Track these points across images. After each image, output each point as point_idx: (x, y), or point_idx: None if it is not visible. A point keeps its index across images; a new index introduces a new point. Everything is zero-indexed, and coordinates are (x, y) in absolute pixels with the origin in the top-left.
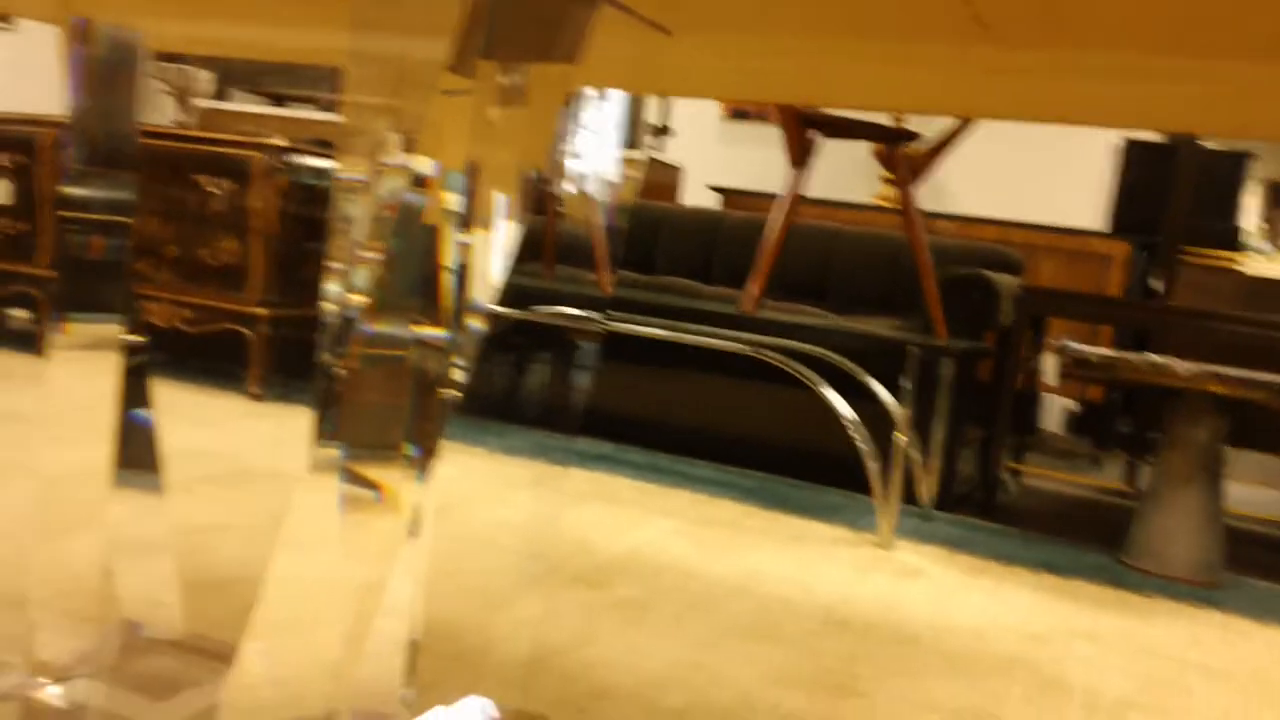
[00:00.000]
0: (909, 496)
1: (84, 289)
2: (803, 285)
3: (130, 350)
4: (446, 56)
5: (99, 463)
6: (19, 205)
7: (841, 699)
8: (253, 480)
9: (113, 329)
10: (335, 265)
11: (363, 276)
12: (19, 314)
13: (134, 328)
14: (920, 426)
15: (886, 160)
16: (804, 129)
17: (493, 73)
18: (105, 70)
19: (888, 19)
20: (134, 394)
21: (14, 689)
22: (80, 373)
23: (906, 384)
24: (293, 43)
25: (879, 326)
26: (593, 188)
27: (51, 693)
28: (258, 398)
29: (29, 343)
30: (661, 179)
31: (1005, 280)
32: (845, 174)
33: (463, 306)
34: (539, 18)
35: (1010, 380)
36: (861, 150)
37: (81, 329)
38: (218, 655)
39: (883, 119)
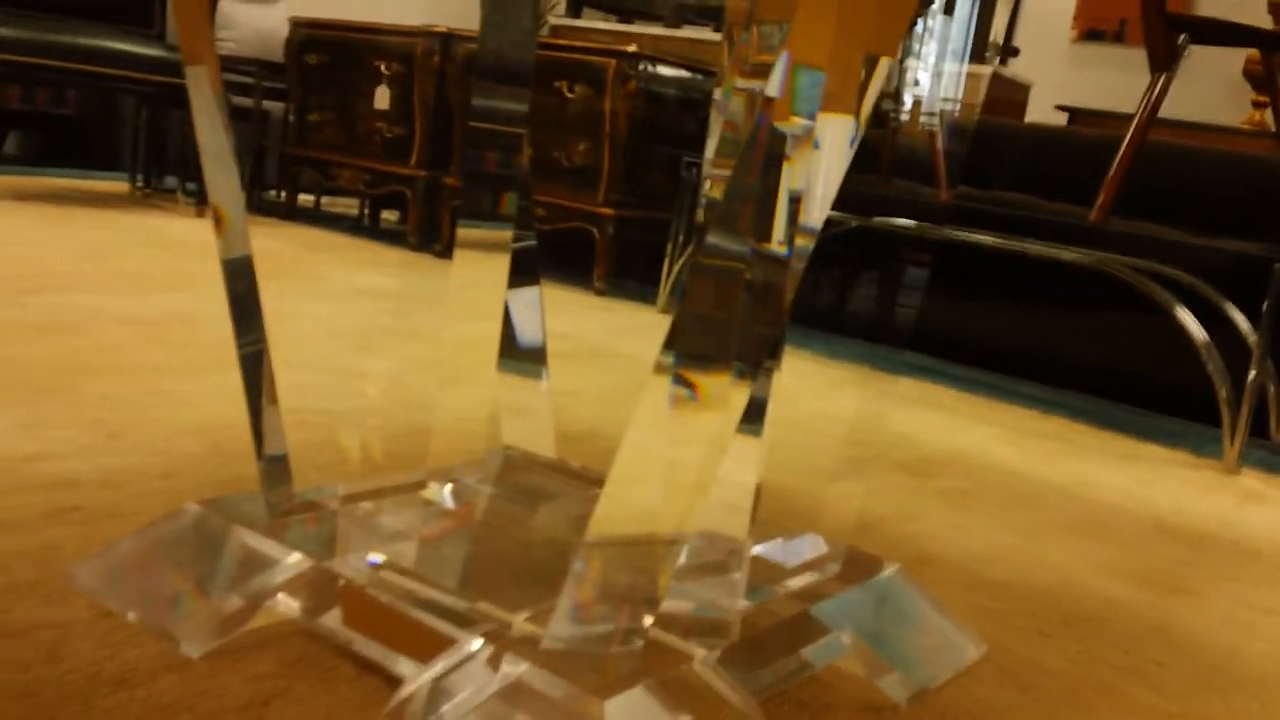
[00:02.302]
0: (1259, 430)
1: (482, 195)
2: (1156, 206)
3: (520, 240)
4: None
5: (489, 334)
6: (397, 110)
7: (1171, 595)
8: (599, 357)
9: (506, 233)
10: (705, 174)
11: (714, 189)
12: (389, 215)
13: (525, 226)
14: (1277, 358)
15: (1262, 74)
16: (1170, 29)
17: None
18: None
19: None
20: (521, 274)
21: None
22: (472, 264)
23: (1266, 310)
24: None
25: (1238, 246)
26: (934, 101)
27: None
28: (601, 293)
29: (400, 238)
30: (1007, 96)
31: None
32: (1210, 95)
33: (798, 224)
34: None
35: None
36: (1231, 69)
37: (479, 233)
38: (586, 479)
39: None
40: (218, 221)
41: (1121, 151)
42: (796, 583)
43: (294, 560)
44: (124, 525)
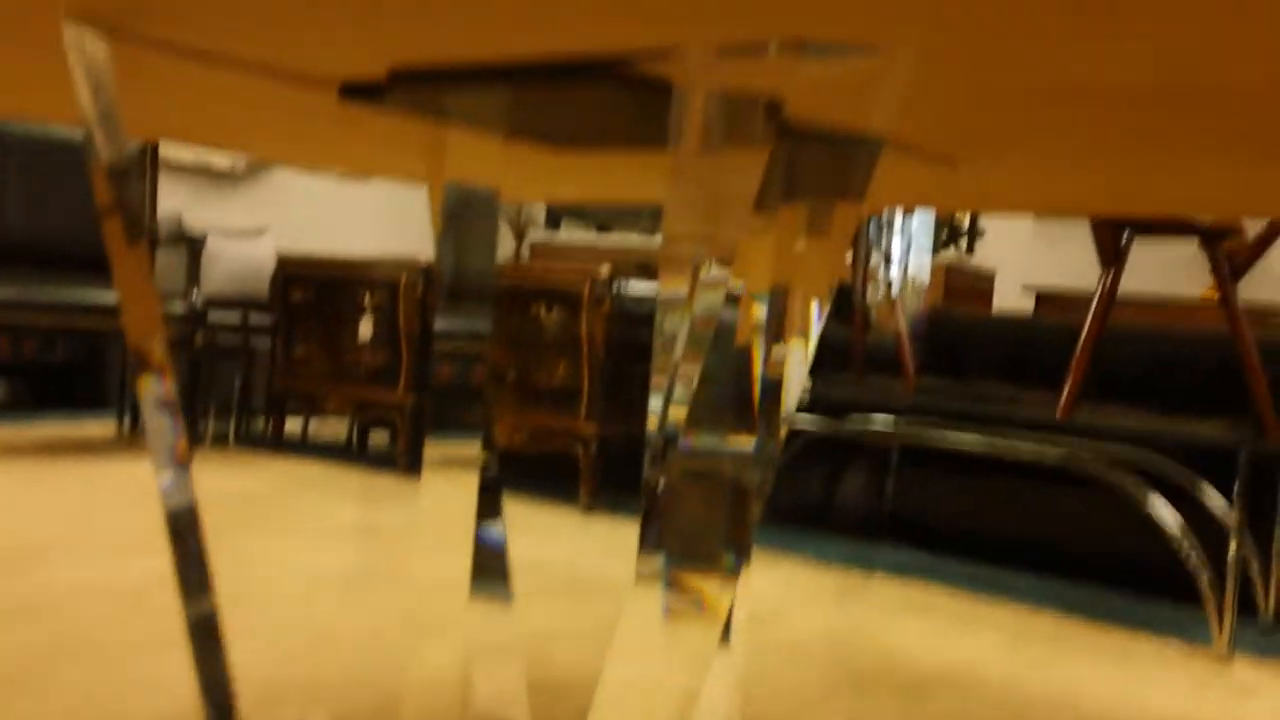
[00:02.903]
0: (1248, 607)
1: (447, 411)
2: (1124, 387)
3: (482, 468)
4: (753, 199)
5: (460, 573)
6: (381, 339)
7: None
8: (585, 590)
9: (471, 448)
10: (659, 381)
11: (682, 391)
12: (379, 436)
13: (486, 446)
14: (1258, 532)
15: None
16: (1113, 228)
17: (790, 210)
18: (466, 218)
19: (1170, 139)
20: (486, 509)
21: None
22: (442, 490)
23: (1237, 493)
24: (627, 194)
25: (1206, 428)
26: (900, 293)
27: None
28: (589, 510)
29: (389, 463)
30: (972, 283)
31: None
32: (1173, 268)
33: (771, 417)
34: (826, 166)
35: None
36: (1187, 242)
37: (444, 448)
38: None
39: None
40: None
41: (1079, 346)
42: None
43: None
44: None
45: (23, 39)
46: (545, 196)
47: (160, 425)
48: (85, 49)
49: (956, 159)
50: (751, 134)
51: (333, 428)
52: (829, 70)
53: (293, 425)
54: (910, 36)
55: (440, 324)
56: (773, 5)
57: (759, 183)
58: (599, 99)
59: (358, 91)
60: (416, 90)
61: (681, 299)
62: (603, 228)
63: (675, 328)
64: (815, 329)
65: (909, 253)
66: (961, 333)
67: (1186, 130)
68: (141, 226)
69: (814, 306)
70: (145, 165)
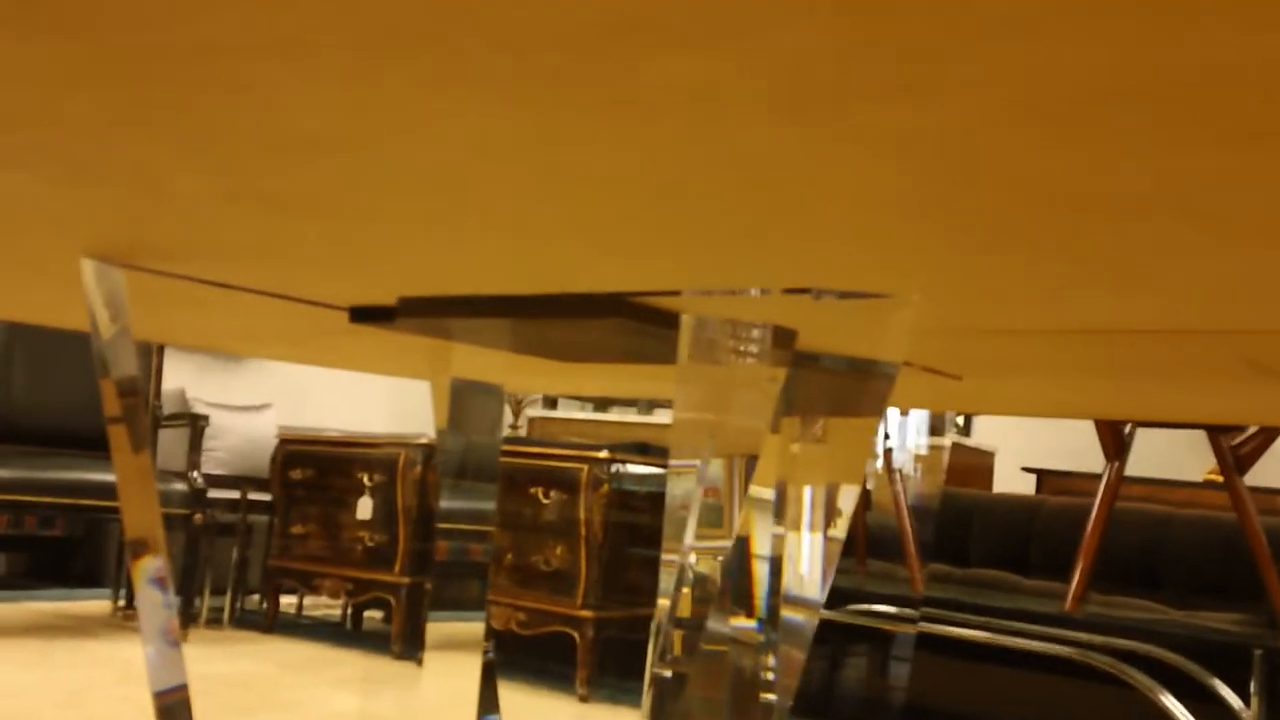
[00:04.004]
0: None
1: (449, 591)
2: (1133, 574)
3: (484, 653)
4: (768, 422)
5: None
6: (379, 519)
7: None
8: None
9: (471, 629)
10: (668, 563)
11: (688, 575)
12: (374, 616)
13: (486, 630)
14: None
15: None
16: (1117, 421)
17: (797, 425)
18: (470, 401)
19: (1173, 365)
20: (484, 696)
21: None
22: (442, 676)
23: (1254, 692)
24: (631, 391)
25: (1219, 620)
26: (901, 478)
27: None
28: (585, 699)
29: (384, 643)
30: (972, 462)
31: None
32: (1177, 448)
33: (778, 604)
34: (841, 387)
35: None
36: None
37: (443, 629)
38: None
39: None
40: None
41: (1086, 539)
42: None
43: None
44: None
45: (38, 270)
46: (549, 390)
47: (152, 603)
48: (101, 281)
49: (963, 375)
50: (762, 360)
51: (328, 607)
52: (838, 310)
53: (288, 602)
54: (915, 284)
55: (444, 503)
56: (779, 262)
57: (773, 406)
58: (604, 325)
59: (368, 315)
60: (425, 316)
61: (690, 481)
62: (599, 406)
63: (683, 511)
64: (843, 522)
65: (908, 432)
66: (966, 514)
67: (1190, 362)
68: (144, 438)
69: (841, 496)
70: (151, 345)
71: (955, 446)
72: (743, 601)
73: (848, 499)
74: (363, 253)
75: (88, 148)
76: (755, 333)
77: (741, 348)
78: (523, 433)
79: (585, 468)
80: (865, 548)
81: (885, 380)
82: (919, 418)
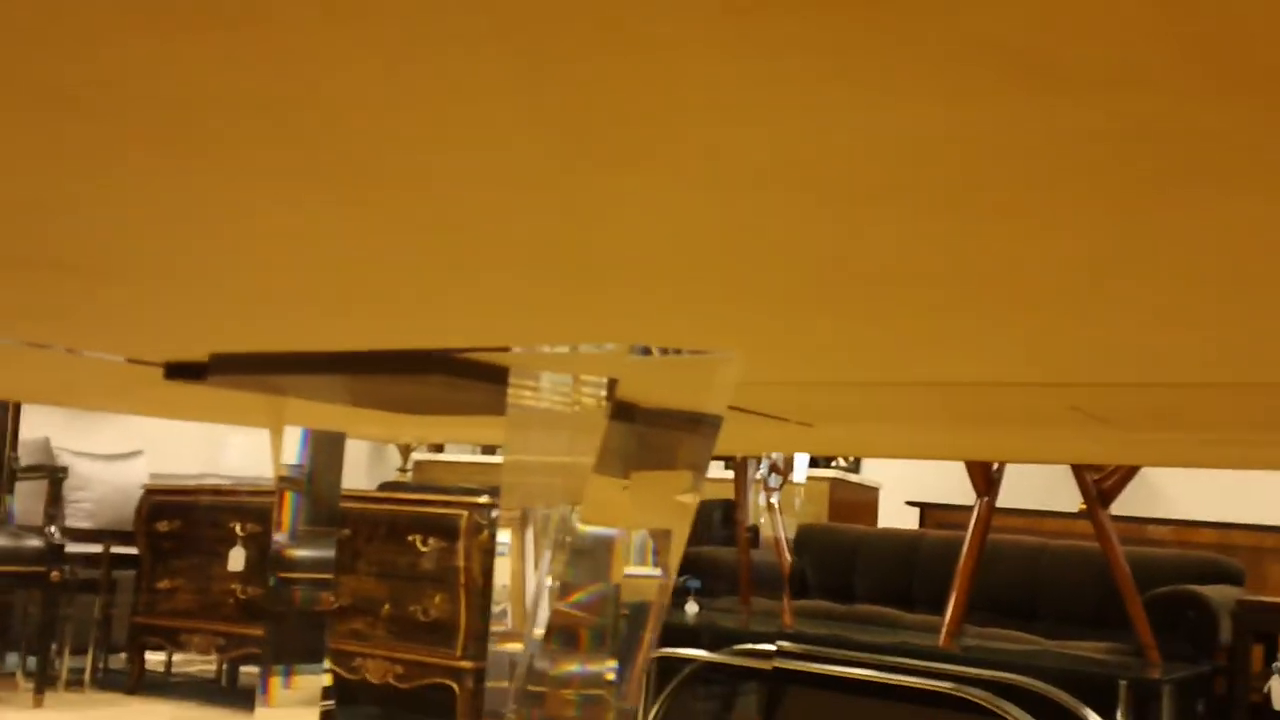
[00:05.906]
0: None
1: (294, 641)
2: (1010, 605)
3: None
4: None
5: None
6: (254, 569)
7: None
8: None
9: (319, 680)
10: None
11: (531, 617)
12: (251, 671)
13: (334, 680)
14: None
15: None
16: (986, 461)
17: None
18: (314, 450)
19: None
20: None
21: None
22: None
23: (1121, 714)
24: (478, 439)
25: (1090, 650)
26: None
27: None
28: None
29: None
30: (858, 498)
31: (1223, 593)
32: (1055, 479)
33: (626, 643)
34: (665, 440)
35: (1239, 707)
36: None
37: (292, 680)
38: None
39: None
40: None
41: (958, 574)
42: None
43: None
44: None
45: None
46: (392, 439)
47: None
48: None
49: (813, 422)
50: (586, 410)
51: (202, 664)
52: (661, 366)
53: (156, 660)
54: (734, 344)
55: (291, 552)
56: (602, 320)
57: (596, 454)
58: (432, 381)
59: (182, 371)
60: (241, 373)
61: (526, 538)
62: (487, 449)
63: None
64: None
65: (790, 470)
66: (849, 550)
67: (1023, 410)
68: None
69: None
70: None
71: (841, 482)
72: (570, 645)
73: (673, 546)
74: (172, 312)
75: None
76: (582, 386)
77: (568, 400)
78: (409, 478)
79: (465, 513)
80: (749, 587)
81: (710, 430)
82: (799, 456)
